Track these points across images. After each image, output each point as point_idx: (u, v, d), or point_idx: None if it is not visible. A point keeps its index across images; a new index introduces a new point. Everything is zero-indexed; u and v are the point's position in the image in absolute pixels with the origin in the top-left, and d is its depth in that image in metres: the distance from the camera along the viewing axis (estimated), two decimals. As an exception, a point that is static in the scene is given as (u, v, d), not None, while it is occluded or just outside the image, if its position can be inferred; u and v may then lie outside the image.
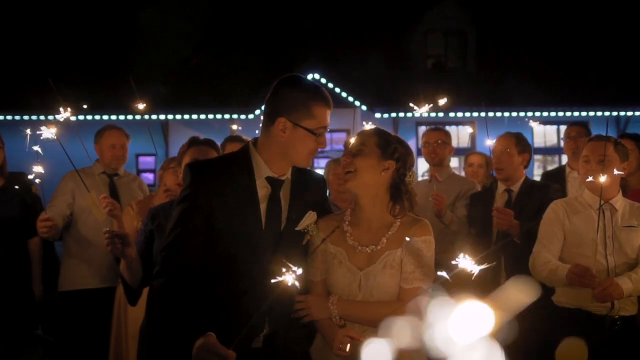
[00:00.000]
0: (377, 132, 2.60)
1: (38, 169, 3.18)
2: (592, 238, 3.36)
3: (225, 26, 13.97)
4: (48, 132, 2.66)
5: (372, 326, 2.42)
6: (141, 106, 3.75)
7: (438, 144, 4.92)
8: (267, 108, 2.44)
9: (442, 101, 5.03)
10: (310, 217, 2.52)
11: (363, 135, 2.58)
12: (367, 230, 2.54)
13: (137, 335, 3.70)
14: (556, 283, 3.41)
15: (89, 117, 11.89)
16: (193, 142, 3.38)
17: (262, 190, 2.43)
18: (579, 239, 3.41)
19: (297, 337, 2.57)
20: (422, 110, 3.58)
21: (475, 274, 1.57)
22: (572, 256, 3.38)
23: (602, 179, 3.06)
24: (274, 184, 2.45)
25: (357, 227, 2.56)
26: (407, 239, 2.45)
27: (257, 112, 12.59)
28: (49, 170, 3.53)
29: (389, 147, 2.54)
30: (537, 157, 14.61)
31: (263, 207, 2.42)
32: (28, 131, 3.08)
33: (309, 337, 2.61)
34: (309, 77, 11.91)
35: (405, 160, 2.55)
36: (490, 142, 4.38)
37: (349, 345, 2.32)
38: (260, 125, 2.50)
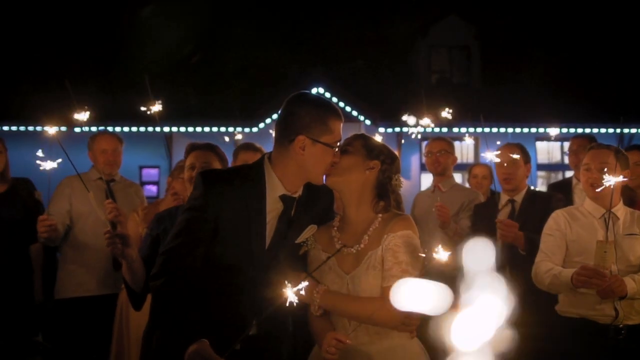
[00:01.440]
0: (364, 136, 2.63)
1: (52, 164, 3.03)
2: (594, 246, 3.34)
3: (230, 40, 14.05)
4: (52, 130, 2.65)
5: (355, 320, 2.44)
6: (156, 108, 3.71)
7: (441, 153, 4.93)
8: (282, 127, 2.42)
9: (446, 113, 5.03)
10: (310, 230, 2.53)
11: (350, 137, 2.61)
12: (354, 232, 2.53)
13: (139, 341, 3.67)
14: (560, 288, 3.39)
15: (93, 129, 11.92)
16: (194, 146, 3.37)
17: (273, 207, 2.43)
18: (582, 248, 3.40)
19: (280, 338, 2.55)
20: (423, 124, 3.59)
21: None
22: (574, 265, 3.36)
23: (612, 181, 3.01)
24: (287, 201, 2.45)
25: (345, 231, 2.55)
26: (385, 236, 2.44)
27: (262, 125, 12.62)
28: (44, 177, 3.50)
29: (374, 148, 2.56)
30: (540, 173, 14.58)
31: (271, 224, 2.43)
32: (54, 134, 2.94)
33: (291, 338, 2.61)
34: (314, 91, 11.93)
35: (390, 163, 2.56)
36: (490, 155, 4.37)
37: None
38: (271, 138, 2.50)
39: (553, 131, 5.84)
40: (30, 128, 12.05)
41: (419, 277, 2.42)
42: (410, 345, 2.50)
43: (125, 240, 2.66)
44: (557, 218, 3.56)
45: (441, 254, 2.03)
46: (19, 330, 4.59)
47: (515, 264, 4.01)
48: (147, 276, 2.77)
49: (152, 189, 13.49)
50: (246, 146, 4.52)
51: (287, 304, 1.83)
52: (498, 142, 5.37)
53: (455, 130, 12.82)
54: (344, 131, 2.49)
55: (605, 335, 3.31)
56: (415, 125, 4.94)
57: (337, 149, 2.46)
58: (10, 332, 4.49)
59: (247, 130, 12.34)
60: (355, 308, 2.42)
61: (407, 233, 2.44)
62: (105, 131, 5.18)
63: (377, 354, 2.44)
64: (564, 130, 13.34)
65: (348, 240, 2.52)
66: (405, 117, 5.65)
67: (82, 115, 2.71)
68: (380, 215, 2.52)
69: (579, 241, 3.43)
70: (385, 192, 2.54)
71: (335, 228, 2.58)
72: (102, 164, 4.77)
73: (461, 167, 11.12)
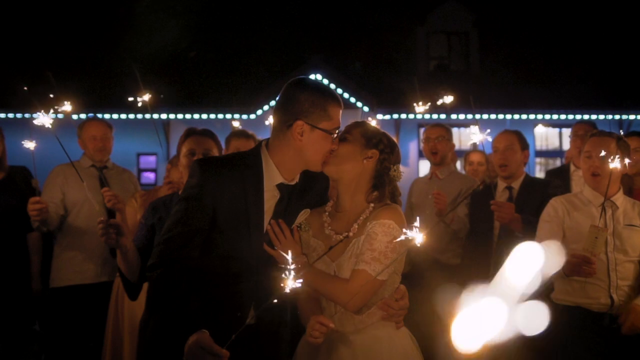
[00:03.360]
0: (364, 123, 2.59)
1: (29, 144, 3.02)
2: None
3: (228, 26, 13.96)
4: (45, 119, 2.60)
5: (322, 296, 2.46)
6: (145, 98, 3.67)
7: (439, 140, 4.90)
8: (281, 113, 2.40)
9: (449, 99, 4.98)
10: (303, 214, 2.53)
11: (350, 125, 2.57)
12: (346, 220, 2.51)
13: (134, 330, 3.65)
14: (553, 276, 3.38)
15: (91, 115, 11.87)
16: (191, 132, 3.33)
17: (270, 195, 2.42)
18: (579, 235, 3.37)
19: (278, 325, 2.55)
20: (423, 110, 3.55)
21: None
22: (570, 252, 3.35)
23: (614, 165, 2.98)
24: (284, 190, 2.44)
25: (336, 218, 2.54)
26: (369, 224, 2.42)
27: (259, 112, 12.57)
28: (40, 164, 3.48)
29: (374, 137, 2.52)
30: (538, 159, 14.56)
31: (268, 212, 2.42)
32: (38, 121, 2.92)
33: (288, 326, 2.62)
34: (311, 77, 11.87)
35: (389, 153, 2.52)
36: (480, 137, 4.31)
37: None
38: (268, 123, 2.47)
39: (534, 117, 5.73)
40: (27, 115, 11.99)
41: (396, 269, 2.42)
42: (397, 335, 2.48)
43: (120, 230, 2.63)
44: (555, 205, 3.53)
45: (416, 235, 1.80)
46: (16, 319, 4.58)
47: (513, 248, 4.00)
48: (142, 266, 2.76)
49: (150, 176, 13.44)
50: (238, 133, 4.47)
51: (287, 291, 1.80)
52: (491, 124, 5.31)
53: (454, 116, 12.79)
54: (342, 118, 2.46)
55: (600, 324, 3.30)
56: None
57: (335, 136, 2.43)
58: (7, 321, 4.48)
59: (244, 117, 12.30)
60: (321, 283, 2.42)
61: (389, 222, 2.39)
62: (94, 117, 5.13)
63: (361, 343, 2.42)
64: (562, 116, 13.32)
65: (338, 227, 2.50)
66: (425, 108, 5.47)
67: (66, 106, 2.67)
68: (372, 205, 2.49)
69: (577, 228, 3.41)
70: (381, 183, 2.51)
71: (327, 213, 2.56)
72: (92, 151, 4.75)
73: (460, 154, 11.11)
